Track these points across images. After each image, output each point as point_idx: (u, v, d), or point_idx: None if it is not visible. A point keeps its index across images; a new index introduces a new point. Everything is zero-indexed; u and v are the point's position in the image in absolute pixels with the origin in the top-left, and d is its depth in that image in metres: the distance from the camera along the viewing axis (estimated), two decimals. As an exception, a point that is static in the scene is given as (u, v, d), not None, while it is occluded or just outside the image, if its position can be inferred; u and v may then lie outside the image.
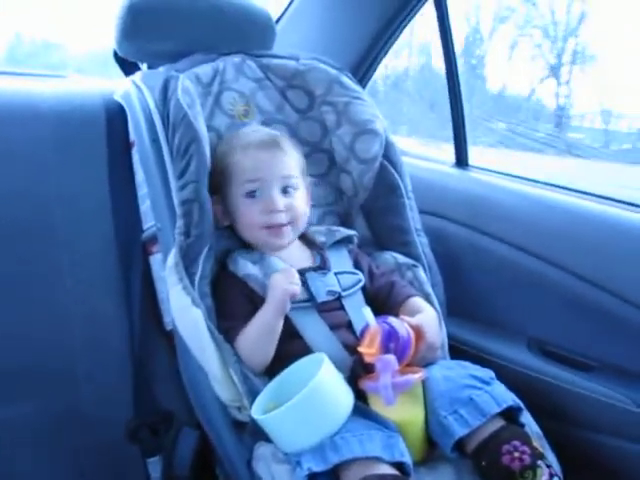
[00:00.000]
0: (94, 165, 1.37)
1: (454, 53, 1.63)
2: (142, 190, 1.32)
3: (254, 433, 1.10)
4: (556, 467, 1.10)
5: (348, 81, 1.46)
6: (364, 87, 1.70)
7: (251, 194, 1.23)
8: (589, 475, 1.25)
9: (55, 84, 1.51)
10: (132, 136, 1.33)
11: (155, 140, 1.27)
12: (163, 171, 1.25)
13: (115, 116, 1.38)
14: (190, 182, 1.18)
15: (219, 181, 1.26)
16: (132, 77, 1.40)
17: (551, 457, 1.13)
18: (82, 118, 1.38)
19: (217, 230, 1.26)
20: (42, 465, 1.32)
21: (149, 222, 1.30)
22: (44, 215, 1.33)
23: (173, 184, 1.22)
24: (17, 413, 1.30)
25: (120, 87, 1.41)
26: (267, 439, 1.07)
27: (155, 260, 1.32)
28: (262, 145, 1.25)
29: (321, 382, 1.01)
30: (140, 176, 1.32)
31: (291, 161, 1.28)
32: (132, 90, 1.35)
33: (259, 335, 1.14)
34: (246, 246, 1.30)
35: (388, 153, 1.43)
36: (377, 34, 1.72)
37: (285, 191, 1.25)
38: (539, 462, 1.02)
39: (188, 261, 1.15)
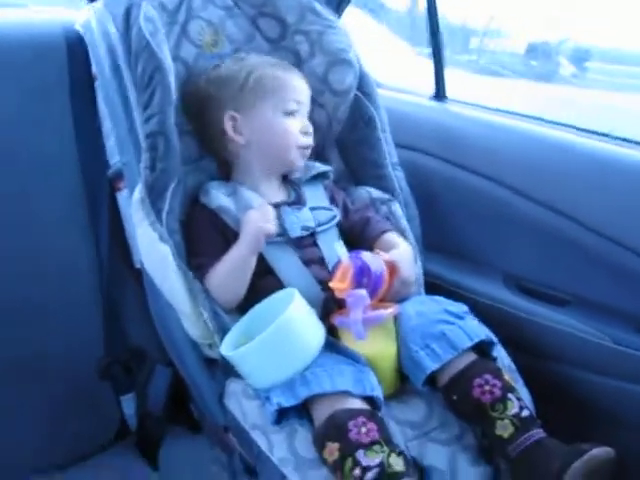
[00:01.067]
0: (55, 98, 1.31)
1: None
2: (107, 125, 1.27)
3: (225, 369, 1.10)
4: (527, 400, 1.11)
5: (321, 9, 1.40)
6: (339, 15, 1.63)
7: (291, 113, 1.24)
8: (560, 408, 1.25)
9: (14, 13, 1.44)
10: (94, 68, 1.28)
11: (117, 71, 1.21)
12: (126, 104, 1.20)
13: (77, 47, 1.32)
14: (155, 114, 1.14)
15: (242, 98, 1.24)
16: (94, 4, 1.33)
17: (523, 390, 1.14)
18: (41, 47, 1.32)
19: (186, 164, 1.23)
20: (13, 408, 1.31)
21: (115, 157, 1.26)
22: (5, 152, 1.29)
23: (138, 117, 1.18)
24: None
25: (81, 16, 1.34)
26: (238, 375, 1.07)
27: (122, 197, 1.28)
28: (293, 69, 1.30)
29: (290, 317, 1.00)
30: (104, 110, 1.27)
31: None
32: (92, 18, 1.28)
33: (231, 272, 1.12)
34: (218, 179, 1.27)
35: (363, 85, 1.39)
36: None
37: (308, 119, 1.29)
38: (509, 395, 1.03)
39: (155, 196, 1.12)
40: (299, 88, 1.27)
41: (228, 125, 1.23)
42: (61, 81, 1.32)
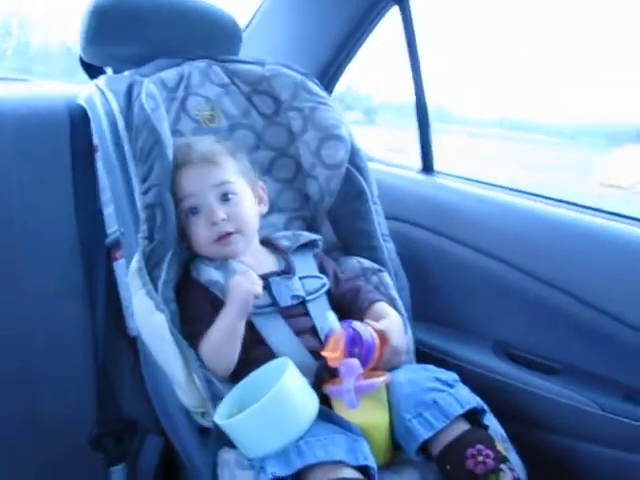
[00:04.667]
0: (57, 169, 1.35)
1: (419, 61, 1.65)
2: (106, 195, 1.31)
3: (218, 439, 1.09)
4: (520, 470, 1.11)
5: (314, 86, 1.46)
6: (330, 93, 1.70)
7: (193, 210, 1.22)
8: (553, 477, 1.26)
9: (18, 87, 1.49)
10: (95, 140, 1.32)
11: (118, 144, 1.26)
12: (126, 175, 1.24)
13: (79, 120, 1.37)
14: (153, 186, 1.18)
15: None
16: (96, 81, 1.39)
17: (515, 460, 1.13)
18: (45, 121, 1.37)
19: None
20: (2, 476, 1.30)
21: (113, 227, 1.29)
22: (5, 219, 1.32)
23: (136, 188, 1.22)
24: None
25: (84, 91, 1.39)
26: (231, 445, 1.06)
27: (119, 265, 1.31)
28: (195, 159, 1.24)
29: (284, 387, 1.00)
30: (104, 180, 1.30)
31: (224, 169, 1.26)
32: (95, 94, 1.34)
33: (222, 338, 1.13)
34: None
35: (354, 159, 1.43)
36: (342, 41, 1.73)
37: (225, 198, 1.23)
38: (502, 466, 1.03)
39: (151, 265, 1.15)
40: (190, 182, 1.22)
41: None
42: (63, 151, 1.36)
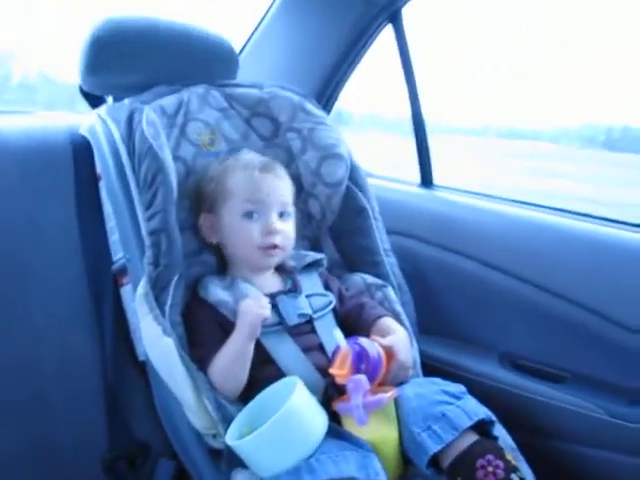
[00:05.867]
0: (62, 199, 1.37)
1: (414, 78, 1.67)
2: (111, 222, 1.32)
3: (230, 460, 1.09)
4: (530, 479, 1.12)
5: (312, 107, 1.48)
6: (328, 112, 1.73)
7: (249, 214, 1.25)
8: (563, 484, 1.26)
9: (21, 120, 1.51)
10: (99, 169, 1.34)
11: (121, 172, 1.28)
12: (130, 203, 1.26)
13: (82, 150, 1.38)
14: (157, 212, 1.19)
15: (213, 199, 1.29)
16: (97, 110, 1.41)
17: (525, 469, 1.14)
18: (48, 152, 1.39)
19: (187, 258, 1.27)
20: None
21: (118, 254, 1.31)
22: (12, 250, 1.33)
23: (141, 215, 1.23)
24: None
25: (86, 121, 1.42)
26: (244, 465, 1.07)
27: (126, 291, 1.32)
28: (263, 168, 1.29)
29: (294, 405, 1.02)
30: (108, 208, 1.32)
31: (288, 188, 1.32)
32: (97, 123, 1.36)
33: (231, 362, 1.14)
34: (217, 272, 1.31)
35: (354, 176, 1.45)
36: (338, 60, 1.75)
37: (282, 215, 1.28)
38: (513, 475, 1.03)
39: (158, 290, 1.16)
40: (263, 187, 1.26)
41: (202, 225, 1.30)
42: (67, 182, 1.37)
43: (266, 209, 1.26)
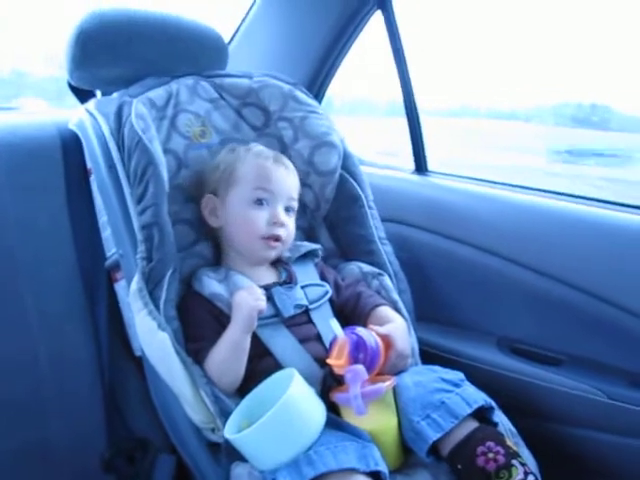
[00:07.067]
0: (52, 195, 1.36)
1: (406, 65, 1.66)
2: (103, 217, 1.32)
3: (229, 453, 1.09)
4: (531, 464, 1.11)
5: (302, 96, 1.47)
6: (319, 101, 1.71)
7: (259, 202, 1.25)
8: (564, 468, 1.26)
9: (7, 117, 1.50)
10: (89, 164, 1.33)
11: (111, 166, 1.27)
12: (121, 197, 1.25)
13: (71, 145, 1.37)
14: (149, 206, 1.18)
15: (219, 183, 1.28)
16: (86, 105, 1.40)
17: (526, 454, 1.14)
18: (36, 148, 1.37)
19: (181, 251, 1.26)
20: None
21: (111, 249, 1.30)
22: (5, 250, 1.32)
23: (132, 209, 1.22)
24: None
25: (75, 116, 1.40)
26: (243, 459, 1.07)
27: (120, 287, 1.31)
28: (276, 159, 1.30)
29: (291, 398, 1.01)
30: (99, 203, 1.31)
31: (295, 183, 1.32)
32: (86, 118, 1.35)
33: (228, 355, 1.13)
34: (212, 264, 1.30)
35: (347, 164, 1.44)
36: (328, 48, 1.74)
37: (287, 210, 1.28)
38: (514, 461, 1.04)
39: (152, 285, 1.15)
40: (274, 178, 1.27)
41: (205, 206, 1.29)
42: (57, 178, 1.36)
43: (274, 200, 1.26)
